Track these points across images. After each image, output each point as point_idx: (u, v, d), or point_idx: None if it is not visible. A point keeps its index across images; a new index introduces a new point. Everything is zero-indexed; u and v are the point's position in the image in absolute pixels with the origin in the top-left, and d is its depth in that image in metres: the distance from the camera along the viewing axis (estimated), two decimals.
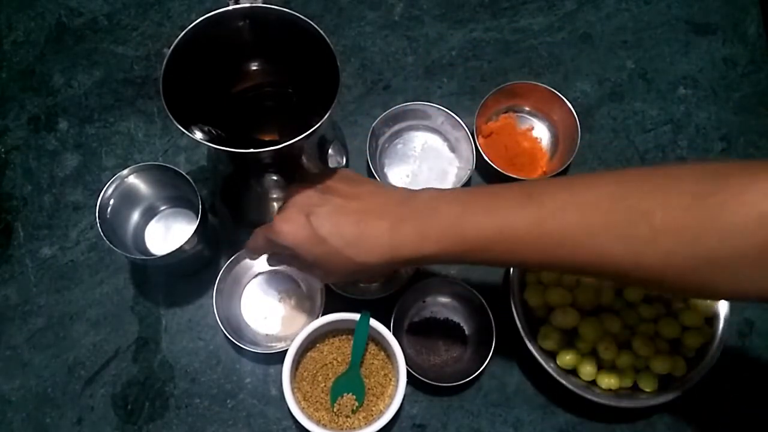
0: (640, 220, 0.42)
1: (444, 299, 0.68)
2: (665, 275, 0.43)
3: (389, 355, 0.63)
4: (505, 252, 0.47)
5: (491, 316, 0.63)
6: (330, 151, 0.61)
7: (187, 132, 0.49)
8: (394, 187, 0.54)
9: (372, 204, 0.51)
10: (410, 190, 0.52)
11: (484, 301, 0.64)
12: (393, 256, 0.49)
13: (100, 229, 0.58)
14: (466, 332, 0.67)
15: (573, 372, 0.62)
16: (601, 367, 0.61)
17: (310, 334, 0.61)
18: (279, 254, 0.58)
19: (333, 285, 0.64)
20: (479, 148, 0.70)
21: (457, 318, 0.67)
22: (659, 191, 0.43)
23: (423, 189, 0.52)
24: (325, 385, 0.63)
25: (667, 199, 0.42)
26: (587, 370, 0.60)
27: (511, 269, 0.63)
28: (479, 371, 0.62)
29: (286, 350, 0.61)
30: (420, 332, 0.67)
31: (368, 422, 0.61)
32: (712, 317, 0.61)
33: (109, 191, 0.61)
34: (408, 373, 0.61)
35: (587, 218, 0.44)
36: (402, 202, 0.51)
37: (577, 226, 0.44)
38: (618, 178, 0.46)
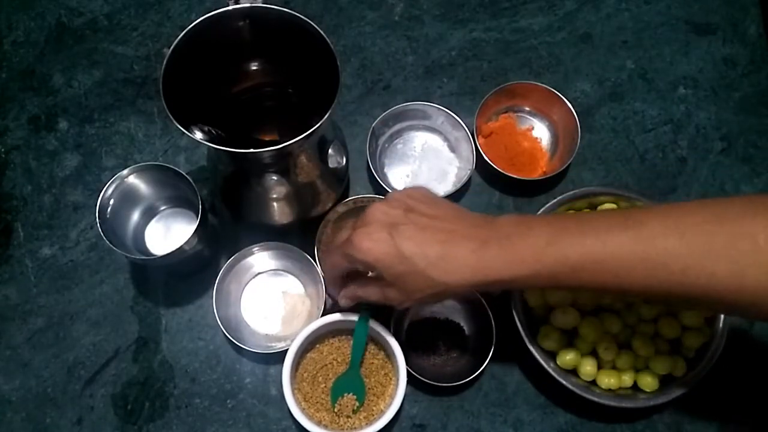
0: (744, 241, 0.43)
1: (444, 300, 0.68)
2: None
3: (389, 354, 0.63)
4: (601, 274, 0.46)
5: (491, 316, 0.63)
6: (330, 151, 0.61)
7: (187, 132, 0.49)
8: (471, 212, 0.53)
9: (457, 225, 0.50)
10: (489, 215, 0.52)
11: (484, 301, 0.64)
12: (478, 277, 0.48)
13: (100, 229, 0.58)
14: (466, 332, 0.67)
15: (573, 372, 0.62)
16: (601, 367, 0.61)
17: (310, 335, 0.61)
18: (352, 277, 0.56)
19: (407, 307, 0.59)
20: (479, 148, 0.70)
21: (457, 318, 0.67)
22: (761, 215, 0.43)
23: (504, 215, 0.52)
24: (325, 386, 0.63)
25: None
26: (587, 370, 0.60)
27: None
28: (479, 371, 0.62)
29: (286, 350, 0.61)
30: (420, 332, 0.67)
31: (369, 422, 0.61)
32: (712, 317, 0.61)
33: (109, 191, 0.61)
34: (408, 373, 0.61)
35: (690, 241, 0.44)
36: (487, 225, 0.50)
37: (680, 248, 0.44)
38: (716, 204, 0.46)
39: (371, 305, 0.61)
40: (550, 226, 0.48)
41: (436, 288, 0.49)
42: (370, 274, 0.57)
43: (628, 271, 0.45)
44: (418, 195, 0.52)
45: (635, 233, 0.45)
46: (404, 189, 0.54)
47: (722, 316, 0.61)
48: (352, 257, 0.51)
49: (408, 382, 0.61)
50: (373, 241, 0.49)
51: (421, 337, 0.66)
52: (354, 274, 0.56)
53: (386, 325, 0.62)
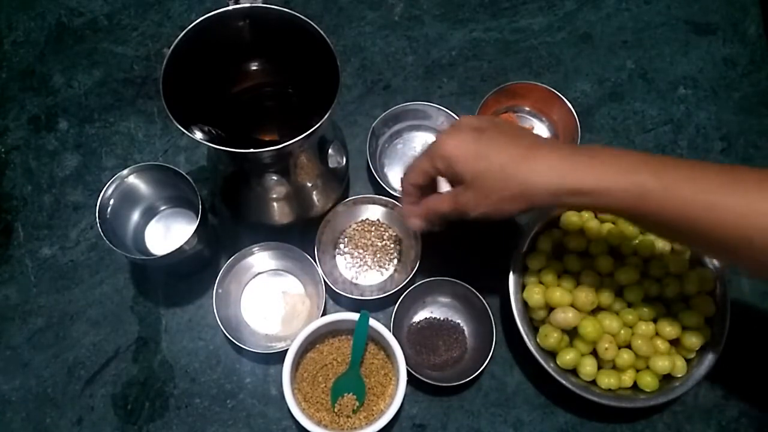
0: None
1: (444, 299, 0.68)
2: None
3: (389, 354, 0.63)
4: (684, 202, 0.46)
5: (491, 316, 0.63)
6: (330, 151, 0.61)
7: (187, 132, 0.49)
8: None
9: (543, 140, 0.51)
10: None
11: (484, 301, 0.64)
12: (561, 181, 0.47)
13: (100, 229, 0.58)
14: (466, 332, 0.67)
15: (573, 372, 0.62)
16: (601, 367, 0.61)
17: (309, 335, 0.61)
18: (432, 174, 0.54)
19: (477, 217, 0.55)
20: None
21: (457, 318, 0.67)
22: None
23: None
24: (325, 386, 0.63)
25: None
26: (587, 370, 0.60)
27: (511, 271, 0.63)
28: (479, 371, 0.62)
29: (286, 350, 0.61)
30: (420, 332, 0.67)
31: (369, 422, 0.61)
32: (712, 317, 0.61)
33: (109, 191, 0.61)
34: (408, 373, 0.61)
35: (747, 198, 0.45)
36: (576, 146, 0.52)
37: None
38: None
39: (370, 305, 0.61)
40: (644, 154, 0.48)
41: (514, 188, 0.48)
42: (443, 190, 0.56)
43: (719, 210, 0.45)
44: (506, 119, 0.54)
45: (733, 177, 0.46)
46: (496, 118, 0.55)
47: (722, 317, 0.61)
48: (435, 154, 0.51)
49: (408, 382, 0.61)
50: (458, 140, 0.50)
51: (421, 337, 0.66)
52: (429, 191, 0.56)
53: (386, 325, 0.62)
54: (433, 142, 0.52)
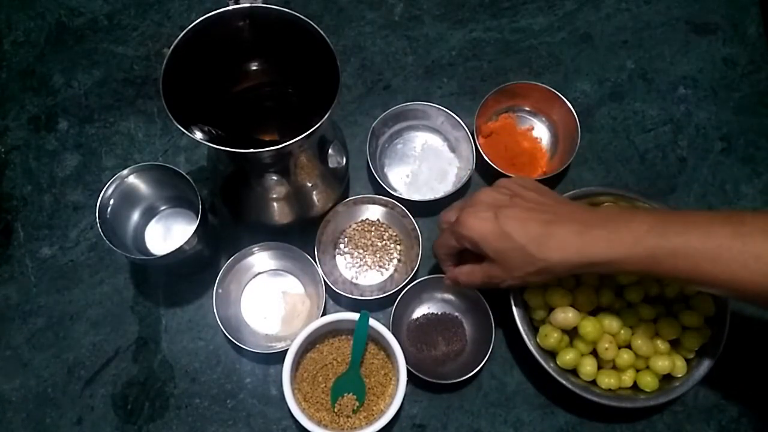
0: None
1: (441, 295, 0.68)
2: None
3: (389, 354, 0.63)
4: (697, 262, 0.48)
5: (490, 311, 0.63)
6: (330, 151, 0.61)
7: (187, 132, 0.49)
8: (574, 202, 0.57)
9: (560, 209, 0.54)
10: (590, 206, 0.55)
11: (482, 296, 0.64)
12: (578, 257, 0.51)
13: (100, 229, 0.58)
14: (466, 328, 0.67)
15: (573, 372, 0.62)
16: (601, 367, 0.61)
17: (309, 335, 0.61)
18: (458, 251, 0.58)
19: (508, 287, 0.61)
20: (479, 148, 0.70)
21: (455, 312, 0.68)
22: None
23: (603, 205, 0.54)
24: (325, 386, 0.63)
25: None
26: (587, 370, 0.60)
27: None
28: (479, 367, 0.62)
29: (286, 350, 0.61)
30: (420, 329, 0.67)
31: (369, 422, 0.61)
32: (712, 317, 0.61)
33: (109, 191, 0.61)
34: (408, 371, 0.61)
35: None
36: (589, 211, 0.54)
37: None
38: None
39: (370, 305, 0.61)
40: (651, 215, 0.52)
41: (536, 265, 0.52)
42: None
43: (725, 262, 0.48)
44: (525, 183, 0.57)
45: (734, 229, 0.48)
46: (512, 178, 0.58)
47: (722, 317, 0.61)
48: (459, 234, 0.55)
49: (408, 380, 0.61)
50: (479, 219, 0.53)
51: (421, 333, 0.67)
52: (466, 254, 0.58)
53: (386, 325, 0.63)
54: (455, 222, 0.55)
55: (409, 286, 0.64)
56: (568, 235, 0.51)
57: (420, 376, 0.61)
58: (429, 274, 0.67)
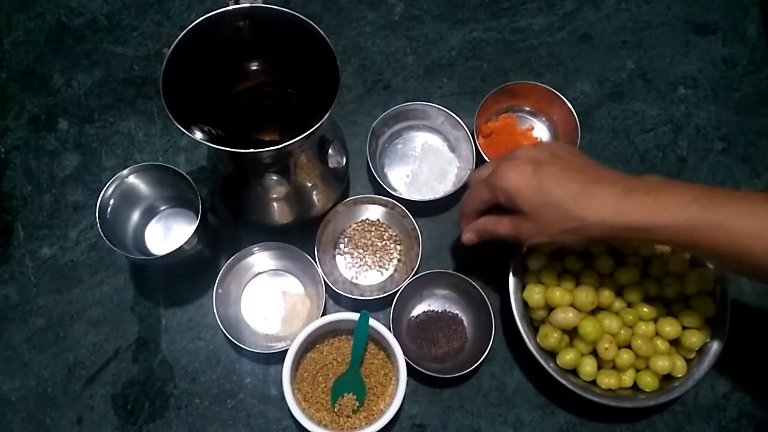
0: None
1: (441, 291, 0.68)
2: None
3: (389, 354, 0.63)
4: (737, 236, 0.47)
5: (490, 305, 0.63)
6: (330, 151, 0.61)
7: (187, 132, 0.49)
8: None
9: (600, 173, 0.52)
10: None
11: (481, 290, 0.64)
12: (617, 219, 0.49)
13: (100, 229, 0.58)
14: (466, 323, 0.67)
15: (573, 372, 0.62)
16: (601, 367, 0.61)
17: (309, 335, 0.61)
18: (489, 205, 0.57)
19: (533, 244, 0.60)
20: (479, 148, 0.70)
21: (456, 309, 0.68)
22: None
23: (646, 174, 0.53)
24: (325, 386, 0.63)
25: None
26: (587, 370, 0.60)
27: (511, 271, 0.63)
28: (480, 361, 0.62)
29: (286, 350, 0.61)
30: (420, 326, 0.67)
31: (369, 422, 0.61)
32: (712, 317, 0.61)
33: (109, 191, 0.61)
34: (409, 367, 0.61)
35: None
36: (631, 176, 0.52)
37: None
38: None
39: (370, 305, 0.61)
40: (696, 187, 0.50)
41: (571, 223, 0.50)
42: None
43: (757, 236, 0.46)
44: (564, 146, 0.56)
45: None
46: (551, 141, 0.57)
47: (722, 317, 0.61)
48: (494, 186, 0.54)
49: (409, 376, 0.61)
50: (518, 172, 0.52)
51: (421, 330, 0.67)
52: (494, 211, 0.57)
53: (386, 325, 0.63)
54: (492, 174, 0.54)
55: (407, 283, 0.64)
56: (608, 197, 0.50)
57: (420, 370, 0.61)
58: (428, 269, 0.67)
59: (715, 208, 0.48)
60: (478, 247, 0.61)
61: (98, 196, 0.60)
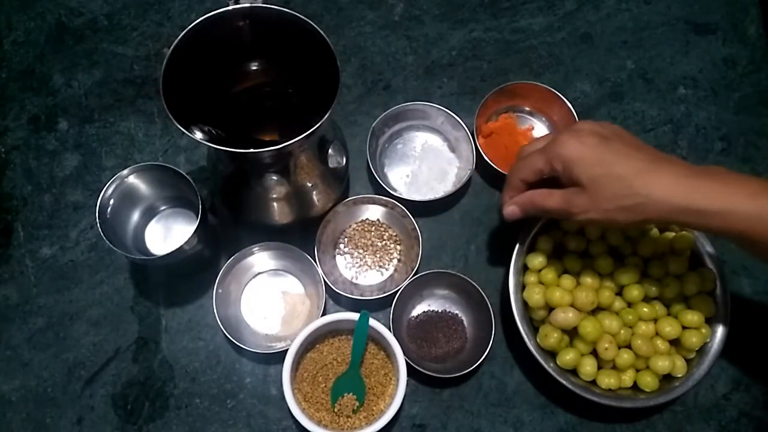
0: None
1: (441, 291, 0.68)
2: None
3: (389, 354, 0.63)
4: None
5: (490, 305, 0.63)
6: (330, 151, 0.61)
7: (187, 132, 0.49)
8: None
9: (663, 155, 0.51)
10: None
11: (480, 290, 0.64)
12: (683, 199, 0.48)
13: (100, 229, 0.58)
14: (465, 323, 0.67)
15: (573, 372, 0.62)
16: (601, 367, 0.61)
17: (309, 335, 0.61)
18: (544, 174, 0.54)
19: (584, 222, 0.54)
20: (479, 148, 0.70)
21: (455, 309, 0.68)
22: None
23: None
24: (325, 386, 0.63)
25: None
26: (587, 370, 0.60)
27: (511, 271, 0.63)
28: (480, 361, 0.62)
29: (286, 350, 0.61)
30: (420, 326, 0.67)
31: (369, 422, 0.61)
32: (712, 317, 0.61)
33: (109, 191, 0.61)
34: (409, 367, 0.61)
35: None
36: (696, 165, 0.50)
37: None
38: None
39: (370, 305, 0.61)
40: (762, 179, 0.49)
41: (634, 199, 0.48)
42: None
43: None
44: (624, 130, 0.53)
45: None
46: (609, 123, 0.55)
47: (722, 317, 0.61)
48: (554, 154, 0.51)
49: (409, 375, 0.61)
50: (581, 142, 0.50)
51: (421, 330, 0.67)
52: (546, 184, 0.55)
53: (386, 325, 0.63)
54: (552, 142, 0.52)
55: (407, 283, 0.64)
56: (675, 177, 0.48)
57: (420, 370, 0.61)
58: (428, 269, 0.67)
59: None
60: (516, 222, 0.58)
61: (98, 196, 0.60)
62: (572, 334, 0.62)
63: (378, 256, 0.69)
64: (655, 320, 0.61)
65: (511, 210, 0.57)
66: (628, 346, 0.61)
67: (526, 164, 0.55)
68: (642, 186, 0.48)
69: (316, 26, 0.50)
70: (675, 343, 0.61)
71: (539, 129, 0.75)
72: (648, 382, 0.60)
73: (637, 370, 0.61)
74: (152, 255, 0.66)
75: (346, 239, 0.70)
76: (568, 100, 0.71)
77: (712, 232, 0.52)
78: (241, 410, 0.65)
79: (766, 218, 0.46)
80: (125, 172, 0.61)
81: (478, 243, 0.70)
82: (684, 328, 0.61)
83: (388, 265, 0.69)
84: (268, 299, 0.68)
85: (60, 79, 0.77)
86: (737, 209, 0.47)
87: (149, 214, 0.68)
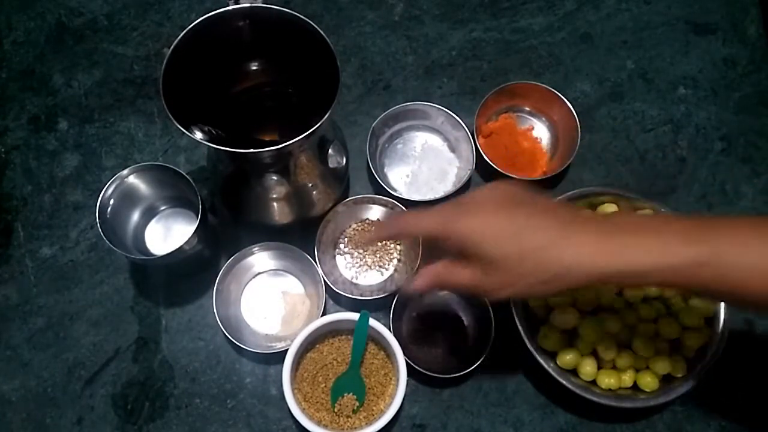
0: None
1: (442, 291, 0.68)
2: None
3: (389, 354, 0.63)
4: (727, 273, 0.43)
5: (490, 306, 0.63)
6: (330, 151, 0.61)
7: (187, 132, 0.49)
8: None
9: (574, 215, 0.46)
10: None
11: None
12: (604, 265, 0.43)
13: (100, 229, 0.58)
14: (465, 323, 0.67)
15: (573, 372, 0.62)
16: (601, 367, 0.61)
17: (309, 335, 0.61)
18: (442, 254, 0.49)
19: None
20: (479, 148, 0.70)
21: (456, 309, 0.68)
22: None
23: (618, 212, 0.49)
24: (325, 386, 0.63)
25: None
26: (587, 370, 0.60)
27: None
28: (480, 361, 0.62)
29: (286, 350, 0.61)
30: (419, 325, 0.67)
31: (369, 422, 0.61)
32: (712, 317, 0.61)
33: (109, 191, 0.61)
34: (409, 366, 0.61)
35: None
36: (610, 219, 0.48)
37: None
38: None
39: (370, 305, 0.61)
40: (679, 221, 0.46)
41: (552, 273, 0.44)
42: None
43: (759, 275, 0.42)
44: (528, 189, 0.48)
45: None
46: (511, 180, 0.50)
47: (722, 317, 0.61)
48: (452, 229, 0.45)
49: (409, 375, 0.61)
50: (481, 217, 0.45)
51: (421, 329, 0.67)
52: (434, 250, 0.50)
53: (386, 325, 0.63)
54: (453, 214, 0.46)
55: (407, 283, 0.64)
56: (594, 240, 0.44)
57: (420, 370, 0.61)
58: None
59: (700, 245, 0.43)
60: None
61: (98, 196, 0.60)
62: (572, 334, 0.62)
63: (378, 256, 0.69)
64: (655, 320, 0.61)
65: (418, 284, 0.50)
66: (628, 346, 0.61)
67: (417, 223, 0.49)
68: (557, 258, 0.44)
69: (316, 26, 0.50)
70: (675, 343, 0.61)
71: (539, 129, 0.75)
72: (648, 382, 0.60)
73: (637, 370, 0.61)
74: (152, 255, 0.66)
75: (346, 239, 0.70)
76: (568, 100, 0.71)
77: (659, 287, 0.48)
78: (241, 410, 0.65)
79: (710, 265, 0.43)
80: (125, 172, 0.61)
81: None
82: (684, 328, 0.61)
83: (388, 265, 0.69)
84: (268, 299, 0.68)
85: (60, 79, 0.77)
86: (672, 262, 0.43)
87: (149, 214, 0.68)
